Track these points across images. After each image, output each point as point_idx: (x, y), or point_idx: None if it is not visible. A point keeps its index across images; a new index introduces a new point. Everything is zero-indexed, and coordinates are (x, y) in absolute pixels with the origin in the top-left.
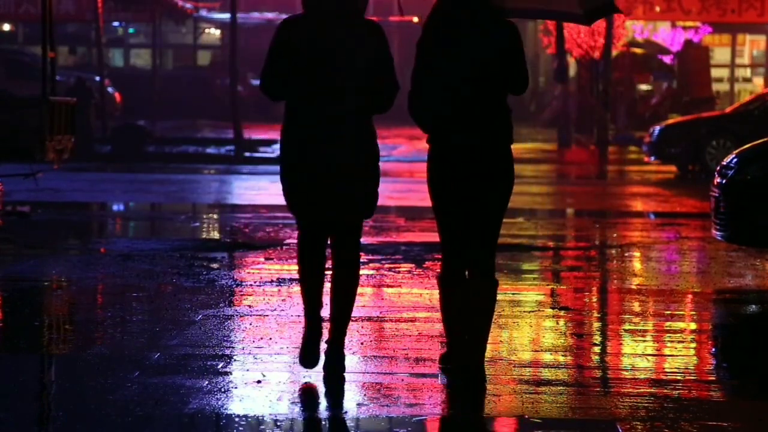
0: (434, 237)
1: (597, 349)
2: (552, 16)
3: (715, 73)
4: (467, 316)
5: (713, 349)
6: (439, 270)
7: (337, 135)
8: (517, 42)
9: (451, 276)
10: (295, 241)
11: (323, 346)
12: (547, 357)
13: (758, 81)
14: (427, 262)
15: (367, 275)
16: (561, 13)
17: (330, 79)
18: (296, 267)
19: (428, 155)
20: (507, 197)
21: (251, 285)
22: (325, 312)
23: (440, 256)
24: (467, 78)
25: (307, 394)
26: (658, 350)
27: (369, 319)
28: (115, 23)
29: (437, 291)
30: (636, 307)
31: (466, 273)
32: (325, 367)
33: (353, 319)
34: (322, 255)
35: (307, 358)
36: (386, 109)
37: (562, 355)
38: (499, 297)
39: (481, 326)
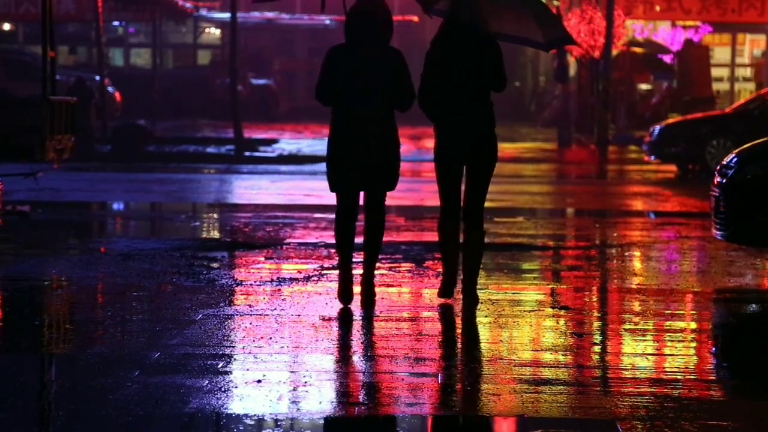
0: (434, 237)
1: (597, 348)
2: (519, 41)
3: (715, 72)
4: (462, 257)
5: (713, 349)
6: (437, 223)
7: (369, 130)
8: (500, 56)
9: (446, 228)
10: (296, 240)
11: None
12: (547, 356)
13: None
14: (427, 262)
15: None
16: (526, 40)
17: (364, 90)
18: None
19: (435, 139)
20: (493, 168)
21: (251, 284)
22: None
23: (439, 217)
24: (463, 82)
25: (307, 394)
26: (658, 350)
27: (369, 318)
28: (115, 23)
29: (437, 286)
30: (636, 306)
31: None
32: (361, 296)
33: (354, 319)
34: (354, 219)
35: (345, 295)
36: (407, 109)
37: (562, 355)
38: (499, 296)
39: (474, 265)
